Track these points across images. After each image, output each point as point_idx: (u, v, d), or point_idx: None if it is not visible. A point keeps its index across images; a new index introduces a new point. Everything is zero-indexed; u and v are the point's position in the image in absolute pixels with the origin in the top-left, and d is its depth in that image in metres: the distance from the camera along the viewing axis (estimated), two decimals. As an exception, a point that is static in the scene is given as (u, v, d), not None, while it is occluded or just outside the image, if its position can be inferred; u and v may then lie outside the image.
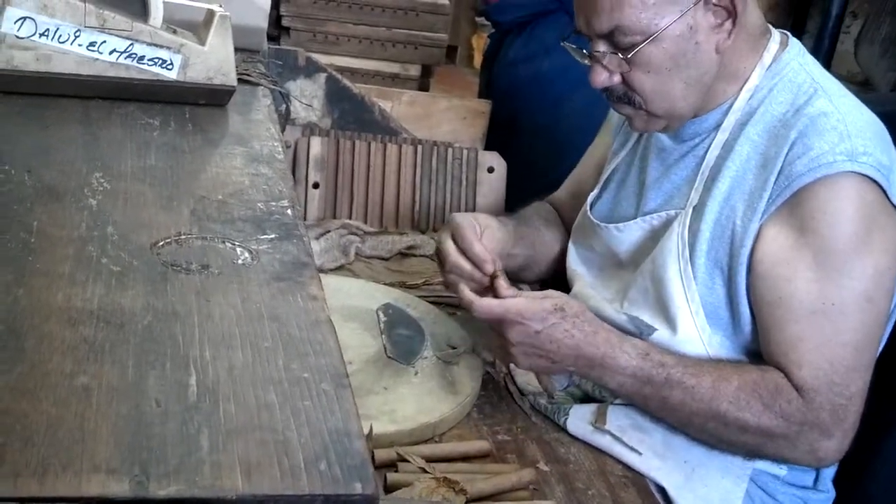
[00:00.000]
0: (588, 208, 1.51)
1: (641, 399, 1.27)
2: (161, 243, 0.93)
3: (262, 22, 1.69)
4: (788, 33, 1.36)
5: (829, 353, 1.20)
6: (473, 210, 1.99)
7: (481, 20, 4.57)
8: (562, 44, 1.33)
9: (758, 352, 1.28)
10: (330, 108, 2.08)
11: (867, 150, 1.19)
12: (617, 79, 1.28)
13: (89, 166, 1.09)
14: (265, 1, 1.67)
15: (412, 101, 2.26)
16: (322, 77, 2.06)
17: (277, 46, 2.19)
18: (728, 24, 1.24)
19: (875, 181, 1.19)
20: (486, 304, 1.26)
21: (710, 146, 1.32)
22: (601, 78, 1.28)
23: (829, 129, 1.21)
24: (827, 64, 3.03)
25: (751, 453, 1.27)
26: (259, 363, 0.76)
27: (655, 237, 1.36)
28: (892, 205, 1.22)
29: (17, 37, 1.25)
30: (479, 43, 4.86)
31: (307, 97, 2.03)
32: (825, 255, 1.20)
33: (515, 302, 1.25)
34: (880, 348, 1.32)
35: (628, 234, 1.41)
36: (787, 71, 1.29)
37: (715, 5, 1.23)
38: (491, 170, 2.02)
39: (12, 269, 0.84)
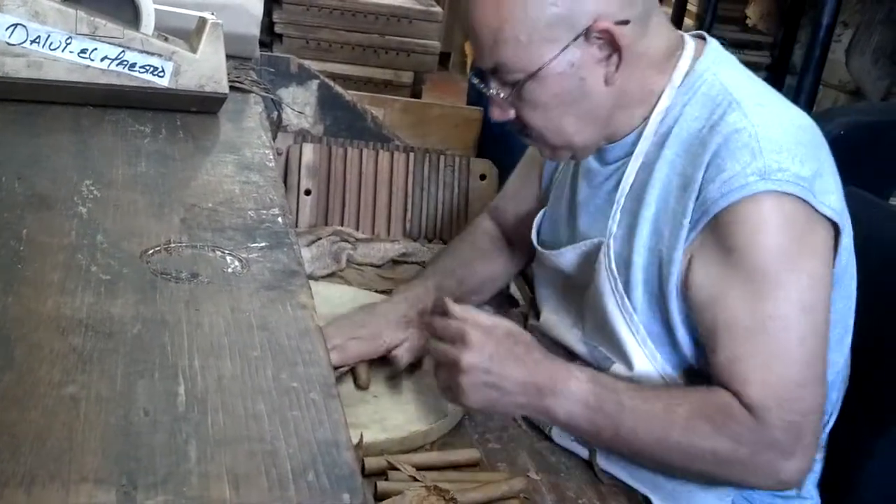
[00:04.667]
0: (534, 231, 1.49)
1: (594, 430, 1.19)
2: (151, 252, 0.93)
3: (255, 29, 1.69)
4: (705, 36, 1.31)
5: (774, 369, 1.15)
6: (465, 218, 1.99)
7: (474, 27, 4.58)
8: (470, 78, 1.33)
9: (706, 375, 1.25)
10: (322, 115, 2.08)
11: (781, 165, 1.14)
12: (512, 114, 1.26)
13: (80, 174, 1.09)
14: (257, 8, 1.67)
15: (405, 109, 2.26)
16: (314, 84, 2.07)
17: (270, 53, 2.19)
18: (615, 58, 1.20)
19: (795, 195, 1.15)
20: (441, 321, 1.21)
21: (626, 171, 1.29)
22: (496, 114, 1.27)
23: (741, 147, 1.16)
24: (818, 73, 3.03)
25: (711, 481, 1.22)
26: (248, 373, 0.76)
27: (591, 260, 1.33)
28: (819, 213, 1.17)
29: (9, 43, 1.25)
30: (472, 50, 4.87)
31: (299, 104, 2.04)
32: (754, 272, 1.16)
33: (474, 315, 1.20)
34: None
35: (566, 260, 1.39)
36: (700, 84, 1.25)
37: (597, 38, 1.18)
38: (483, 177, 2.02)
39: (2, 278, 0.84)
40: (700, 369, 1.27)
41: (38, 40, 1.26)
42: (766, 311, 1.16)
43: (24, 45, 1.25)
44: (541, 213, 1.50)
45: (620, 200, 1.28)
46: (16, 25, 1.24)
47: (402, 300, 1.43)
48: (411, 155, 1.99)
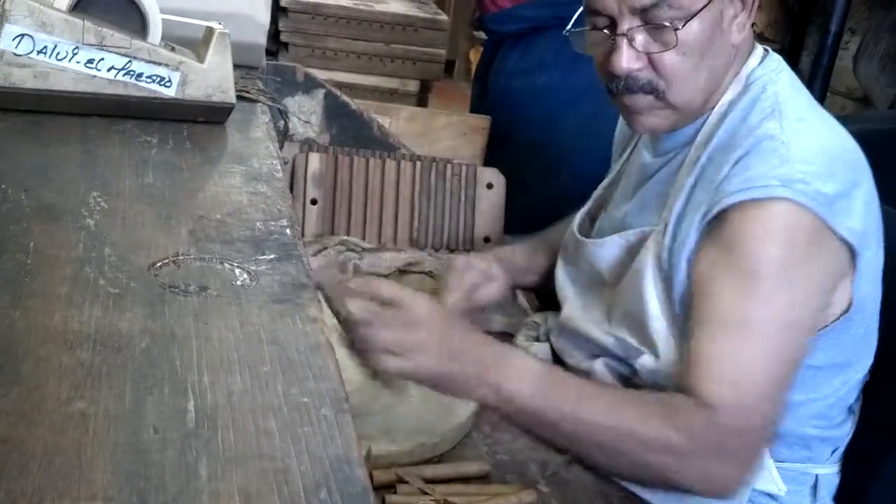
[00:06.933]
0: (575, 224, 1.49)
1: (538, 410, 1.12)
2: (159, 264, 0.92)
3: (262, 39, 1.69)
4: (769, 50, 1.33)
5: (742, 373, 1.14)
6: (472, 227, 1.98)
7: (479, 34, 4.58)
8: (565, 32, 1.31)
9: None
10: (328, 124, 2.07)
11: (805, 177, 1.15)
12: (641, 62, 1.24)
13: (87, 185, 1.09)
14: (264, 18, 1.67)
15: (411, 117, 2.25)
16: (320, 93, 2.06)
17: (276, 62, 2.19)
18: (742, 17, 1.25)
19: (810, 209, 1.14)
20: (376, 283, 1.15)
21: (682, 162, 1.29)
22: (628, 60, 1.22)
23: (770, 152, 1.17)
24: (826, 80, 3.03)
25: (649, 480, 1.16)
26: (258, 388, 0.75)
27: (632, 254, 1.33)
28: (833, 233, 1.17)
29: (15, 54, 1.24)
30: (477, 57, 4.87)
31: (305, 113, 2.03)
32: (749, 275, 1.15)
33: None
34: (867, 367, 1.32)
35: (607, 251, 1.38)
36: (756, 88, 1.27)
37: None
38: (490, 186, 2.01)
39: (9, 291, 0.83)
40: None
41: (44, 50, 1.25)
42: (749, 315, 1.15)
43: (30, 55, 1.25)
44: (583, 210, 1.51)
45: (678, 190, 1.28)
46: (23, 36, 1.24)
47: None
48: (418, 164, 1.98)
